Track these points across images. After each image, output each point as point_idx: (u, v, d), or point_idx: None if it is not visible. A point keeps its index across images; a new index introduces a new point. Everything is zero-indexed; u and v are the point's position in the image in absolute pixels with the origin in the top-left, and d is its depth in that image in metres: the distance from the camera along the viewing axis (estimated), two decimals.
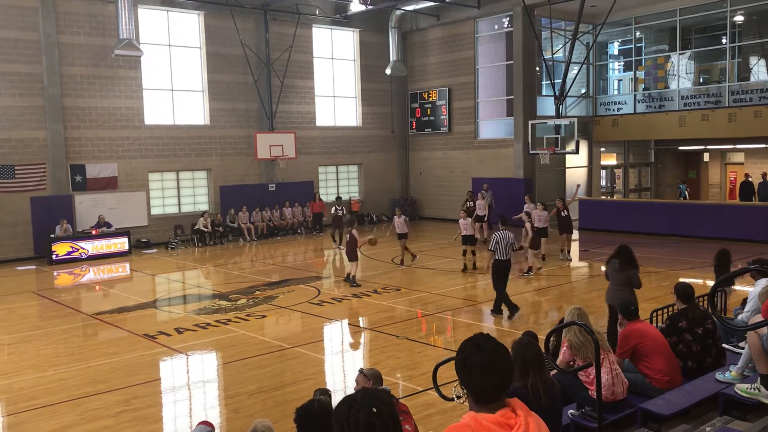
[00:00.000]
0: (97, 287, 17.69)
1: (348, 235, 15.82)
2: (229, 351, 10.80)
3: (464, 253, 17.51)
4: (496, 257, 12.18)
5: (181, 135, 24.07)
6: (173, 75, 24.08)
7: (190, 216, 24.03)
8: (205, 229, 23.31)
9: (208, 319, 12.78)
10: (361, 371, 5.76)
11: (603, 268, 10.61)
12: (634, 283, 9.15)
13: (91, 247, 20.80)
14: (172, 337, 11.60)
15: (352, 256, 15.63)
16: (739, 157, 29.39)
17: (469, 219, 17.84)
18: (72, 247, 20.50)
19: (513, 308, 12.23)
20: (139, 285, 17.75)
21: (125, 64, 22.44)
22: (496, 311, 12.36)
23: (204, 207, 24.61)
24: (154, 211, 23.75)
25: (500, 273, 12.22)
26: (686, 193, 28.73)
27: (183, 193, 24.58)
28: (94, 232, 21.07)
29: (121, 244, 21.41)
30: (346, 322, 12.92)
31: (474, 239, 17.95)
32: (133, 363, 10.25)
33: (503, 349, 2.66)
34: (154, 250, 22.38)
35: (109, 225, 21.56)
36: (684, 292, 7.04)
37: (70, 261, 20.25)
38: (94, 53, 21.92)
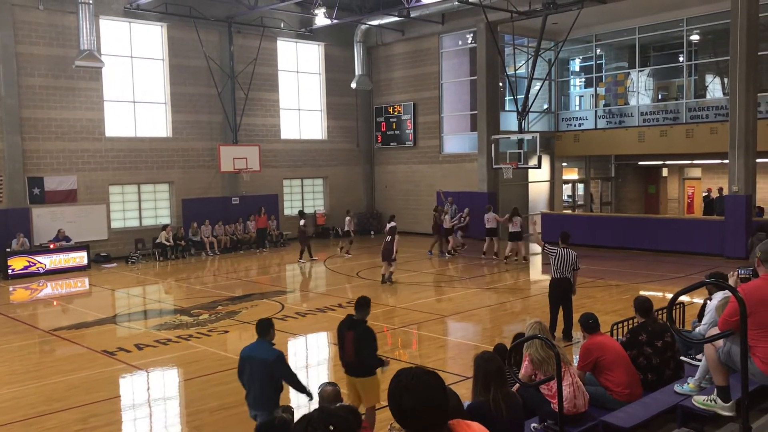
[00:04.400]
0: (55, 302, 17.29)
1: (389, 237, 17.12)
2: (190, 367, 10.63)
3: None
4: (551, 276, 11.28)
5: (143, 147, 23.74)
6: (135, 87, 23.79)
7: (152, 229, 23.67)
8: (167, 243, 22.97)
9: (169, 335, 12.57)
10: (322, 387, 5.74)
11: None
12: None
13: (48, 261, 20.33)
14: (132, 354, 11.38)
15: (390, 257, 17.00)
16: (697, 173, 30.12)
17: (348, 218, 23.14)
18: (29, 262, 20.02)
19: (565, 333, 11.23)
20: (98, 300, 17.40)
21: (86, 76, 22.10)
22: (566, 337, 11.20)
23: (166, 220, 24.26)
24: (115, 225, 23.33)
25: (553, 292, 11.31)
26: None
27: (144, 206, 24.22)
28: (52, 246, 20.62)
29: (80, 258, 20.97)
30: (310, 336, 12.82)
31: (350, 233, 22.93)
32: (91, 380, 10.02)
33: (434, 380, 2.56)
34: (114, 265, 21.96)
35: (68, 239, 21.12)
36: (642, 306, 7.14)
37: (26, 276, 19.75)
38: (54, 64, 21.55)
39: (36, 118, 21.34)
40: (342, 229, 24.28)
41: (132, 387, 10.15)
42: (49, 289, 18.61)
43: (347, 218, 23.42)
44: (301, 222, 21.96)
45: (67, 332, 13.11)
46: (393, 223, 17.71)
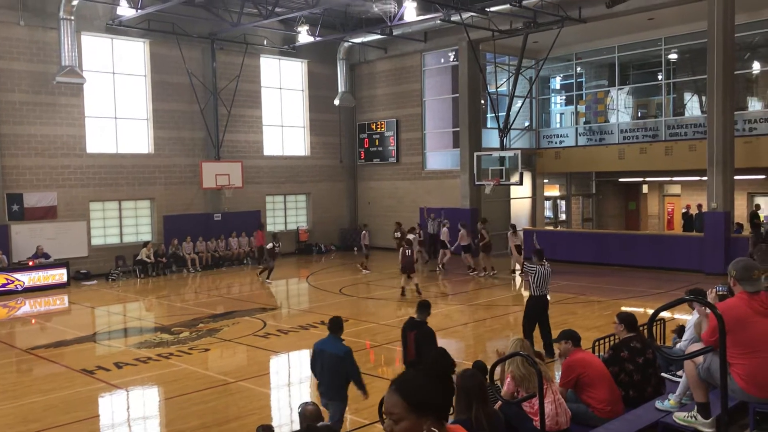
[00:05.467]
0: (33, 321, 17.05)
1: (408, 251, 17.64)
2: (170, 386, 10.52)
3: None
4: (531, 293, 11.36)
5: (124, 163, 23.59)
6: (117, 103, 23.68)
7: (133, 246, 23.45)
8: (148, 260, 22.77)
9: (149, 353, 12.43)
10: (302, 407, 5.71)
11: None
12: None
13: (27, 278, 20.05)
14: (111, 372, 11.24)
15: (413, 269, 17.65)
16: (676, 189, 30.47)
17: (364, 232, 22.92)
18: (7, 279, 19.73)
19: (546, 348, 11.08)
20: (77, 318, 17.18)
21: (67, 92, 21.95)
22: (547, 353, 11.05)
23: (147, 237, 24.06)
24: (95, 242, 23.11)
25: (532, 309, 11.33)
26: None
27: (125, 223, 24.02)
28: (30, 263, 20.35)
29: (60, 275, 20.71)
30: (292, 354, 12.74)
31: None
32: (69, 400, 9.87)
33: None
34: (94, 282, 21.72)
35: (47, 256, 20.87)
36: (628, 321, 7.15)
37: (4, 293, 19.43)
38: (35, 80, 21.40)
39: (16, 134, 21.14)
40: (360, 244, 24.04)
41: (111, 406, 10.02)
42: (28, 306, 18.35)
43: (363, 232, 23.71)
44: (270, 245, 21.53)
45: (45, 351, 12.93)
46: (411, 236, 18.90)
